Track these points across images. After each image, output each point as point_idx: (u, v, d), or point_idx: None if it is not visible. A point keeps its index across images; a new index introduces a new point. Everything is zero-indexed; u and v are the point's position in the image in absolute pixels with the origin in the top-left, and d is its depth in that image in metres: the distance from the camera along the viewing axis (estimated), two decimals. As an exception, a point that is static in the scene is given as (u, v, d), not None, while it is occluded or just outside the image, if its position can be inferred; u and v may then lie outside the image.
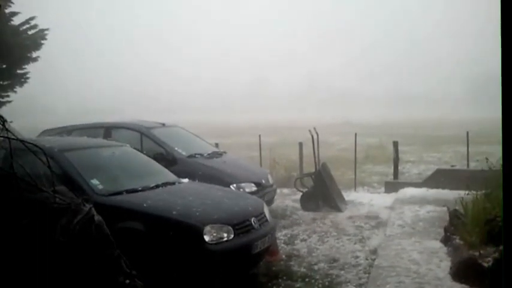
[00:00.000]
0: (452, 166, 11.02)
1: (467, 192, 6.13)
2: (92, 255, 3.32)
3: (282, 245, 6.09)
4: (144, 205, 4.47)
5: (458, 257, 4.69)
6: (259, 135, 11.73)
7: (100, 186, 4.63)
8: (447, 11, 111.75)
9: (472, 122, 32.05)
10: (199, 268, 4.28)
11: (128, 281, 4.29)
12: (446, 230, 5.68)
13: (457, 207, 5.91)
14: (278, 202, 8.59)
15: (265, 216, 5.01)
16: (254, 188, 7.06)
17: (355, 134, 10.65)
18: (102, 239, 3.53)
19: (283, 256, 5.60)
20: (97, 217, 3.55)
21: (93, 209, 3.37)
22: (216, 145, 9.53)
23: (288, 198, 9.19)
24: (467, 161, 10.39)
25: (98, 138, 6.47)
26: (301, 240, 6.33)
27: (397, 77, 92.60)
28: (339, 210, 7.96)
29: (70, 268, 3.12)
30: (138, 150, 6.31)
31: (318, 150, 8.97)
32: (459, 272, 4.37)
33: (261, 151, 11.52)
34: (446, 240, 5.47)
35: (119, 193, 4.64)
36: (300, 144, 10.90)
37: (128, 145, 6.00)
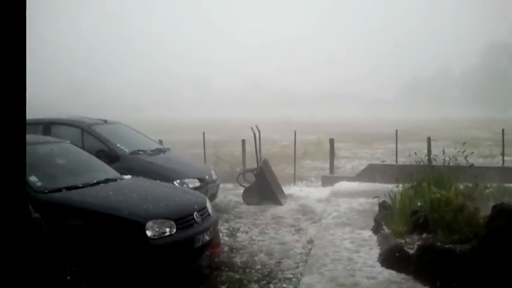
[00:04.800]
0: (382, 161, 11.80)
1: (395, 185, 6.68)
2: (30, 254, 3.29)
3: (225, 237, 6.26)
4: (85, 202, 4.44)
5: (386, 245, 5.05)
6: (203, 132, 11.79)
7: (38, 183, 4.54)
8: (384, 18, 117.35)
9: (401, 121, 34.04)
10: (142, 263, 4.33)
11: (69, 278, 4.26)
12: (376, 220, 6.11)
13: (386, 199, 6.40)
14: (221, 197, 8.76)
15: (207, 210, 5.14)
16: (197, 184, 7.15)
17: (295, 132, 11.07)
18: (40, 237, 3.49)
19: (225, 248, 5.78)
20: (34, 214, 3.50)
21: (30, 206, 3.33)
22: (160, 142, 9.49)
23: (231, 193, 9.38)
24: (396, 156, 11.16)
25: (36, 135, 6.24)
26: (243, 233, 6.54)
27: (335, 79, 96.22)
28: (279, 203, 8.26)
29: (6, 268, 3.07)
30: (79, 147, 6.19)
31: (260, 147, 9.24)
32: (387, 258, 4.71)
33: (205, 148, 11.61)
34: (376, 230, 5.87)
35: (59, 190, 4.58)
36: (243, 141, 11.13)
37: (67, 141, 5.88)
